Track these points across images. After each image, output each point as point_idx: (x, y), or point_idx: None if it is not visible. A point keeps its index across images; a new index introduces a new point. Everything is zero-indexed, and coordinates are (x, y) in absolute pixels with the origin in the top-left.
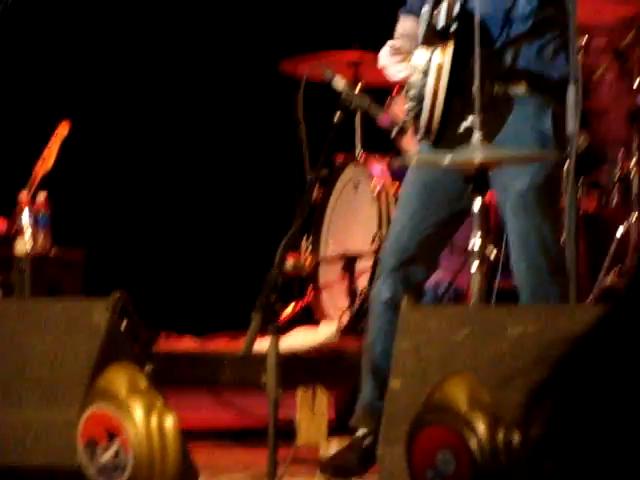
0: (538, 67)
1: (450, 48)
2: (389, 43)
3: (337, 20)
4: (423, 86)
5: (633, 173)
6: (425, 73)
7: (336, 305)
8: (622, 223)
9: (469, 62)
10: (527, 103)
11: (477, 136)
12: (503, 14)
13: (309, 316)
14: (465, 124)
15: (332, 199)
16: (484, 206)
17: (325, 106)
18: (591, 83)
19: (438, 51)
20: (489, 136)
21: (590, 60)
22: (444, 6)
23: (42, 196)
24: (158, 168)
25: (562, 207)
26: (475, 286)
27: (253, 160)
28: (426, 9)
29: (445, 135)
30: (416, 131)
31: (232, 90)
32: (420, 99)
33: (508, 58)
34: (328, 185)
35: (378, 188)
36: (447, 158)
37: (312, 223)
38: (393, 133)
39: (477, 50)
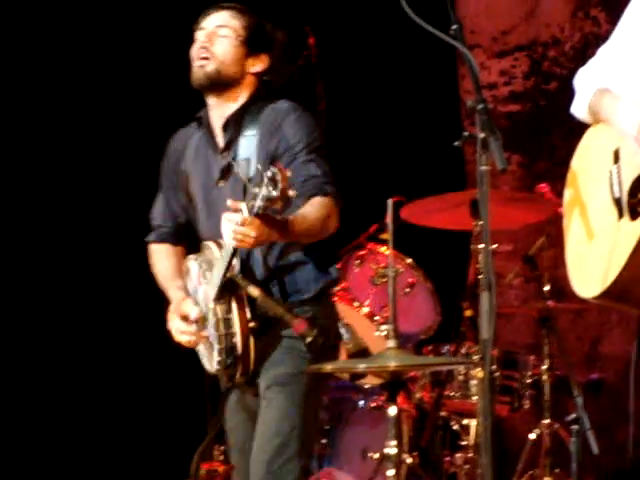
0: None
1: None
2: None
3: None
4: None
5: (544, 378)
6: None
7: None
8: (534, 428)
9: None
10: None
11: (392, 343)
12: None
13: None
14: None
15: None
16: (399, 413)
17: None
18: (500, 288)
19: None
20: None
21: (499, 265)
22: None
23: None
24: None
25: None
26: None
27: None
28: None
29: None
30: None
31: None
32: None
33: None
34: None
35: None
36: (362, 365)
37: None
38: (307, 340)
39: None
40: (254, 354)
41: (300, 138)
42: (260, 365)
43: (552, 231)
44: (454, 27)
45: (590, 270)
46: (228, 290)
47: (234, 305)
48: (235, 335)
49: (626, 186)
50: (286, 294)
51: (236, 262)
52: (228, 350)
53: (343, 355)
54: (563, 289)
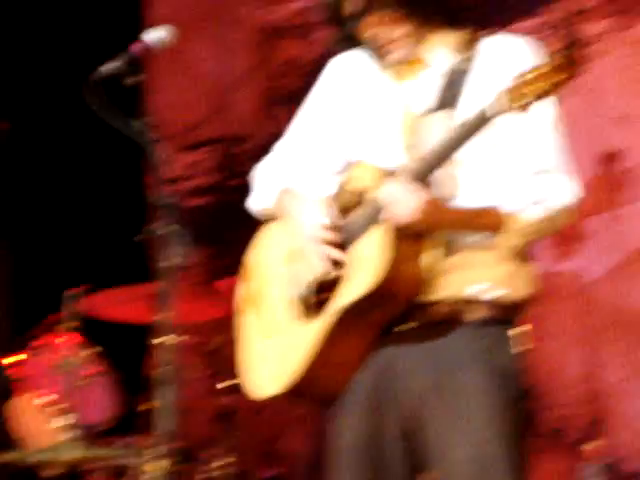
0: None
1: None
2: None
3: None
4: None
5: (223, 473)
6: None
7: None
8: None
9: None
10: None
11: (69, 435)
12: None
13: None
14: None
15: None
16: None
17: None
18: (181, 381)
19: None
20: None
21: (179, 359)
22: None
23: None
24: None
25: None
26: None
27: None
28: None
29: None
30: None
31: None
32: None
33: None
34: None
35: None
36: (35, 457)
37: None
38: None
39: None
40: None
41: None
42: None
43: (233, 326)
44: (140, 120)
45: (266, 369)
46: None
47: None
48: None
49: (302, 287)
50: None
51: None
52: None
53: None
54: (243, 385)
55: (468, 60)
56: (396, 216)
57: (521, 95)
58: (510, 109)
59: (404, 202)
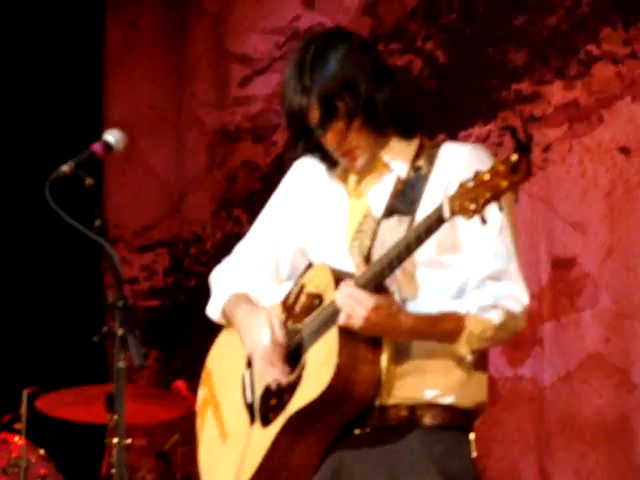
0: None
1: None
2: None
3: None
4: None
5: None
6: None
7: None
8: None
9: None
10: None
11: None
12: None
13: None
14: None
15: None
16: None
17: None
18: None
19: None
20: None
21: (132, 460)
22: None
23: None
24: None
25: None
26: None
27: None
28: None
29: None
30: None
31: None
32: None
33: None
34: None
35: None
36: None
37: None
38: None
39: None
40: None
41: None
42: None
43: (187, 428)
44: (97, 222)
45: (222, 472)
46: None
47: None
48: None
49: (258, 392)
50: None
51: None
52: None
53: None
54: None
55: (427, 166)
56: (348, 322)
57: (464, 202)
58: (453, 215)
59: (355, 308)
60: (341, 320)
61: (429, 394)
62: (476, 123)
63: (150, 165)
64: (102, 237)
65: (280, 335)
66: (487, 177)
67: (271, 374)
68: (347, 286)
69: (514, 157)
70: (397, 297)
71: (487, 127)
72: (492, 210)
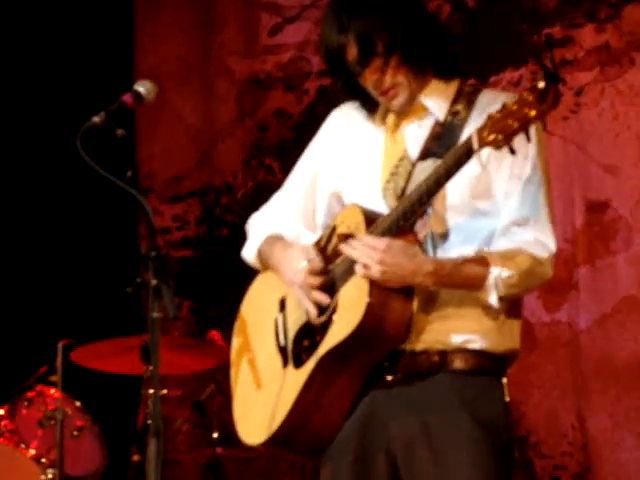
0: None
1: None
2: None
3: None
4: None
5: None
6: None
7: None
8: None
9: None
10: None
11: None
12: None
13: None
14: None
15: None
16: None
17: None
18: (169, 433)
19: None
20: None
21: (168, 410)
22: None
23: None
24: None
25: None
26: None
27: None
28: None
29: None
30: None
31: None
32: None
33: None
34: None
35: None
36: None
37: None
38: None
39: None
40: None
41: None
42: None
43: (222, 378)
44: (128, 173)
45: (256, 417)
46: None
47: None
48: None
49: (291, 334)
50: None
51: None
52: None
53: None
54: (233, 436)
55: (466, 112)
56: (366, 272)
57: (492, 132)
58: (481, 147)
59: (369, 254)
60: (359, 272)
61: (459, 339)
62: (507, 68)
63: (180, 115)
64: (134, 188)
65: (318, 264)
66: (515, 107)
67: (305, 314)
68: (355, 240)
69: (541, 85)
70: (429, 246)
71: (518, 72)
72: (523, 154)
